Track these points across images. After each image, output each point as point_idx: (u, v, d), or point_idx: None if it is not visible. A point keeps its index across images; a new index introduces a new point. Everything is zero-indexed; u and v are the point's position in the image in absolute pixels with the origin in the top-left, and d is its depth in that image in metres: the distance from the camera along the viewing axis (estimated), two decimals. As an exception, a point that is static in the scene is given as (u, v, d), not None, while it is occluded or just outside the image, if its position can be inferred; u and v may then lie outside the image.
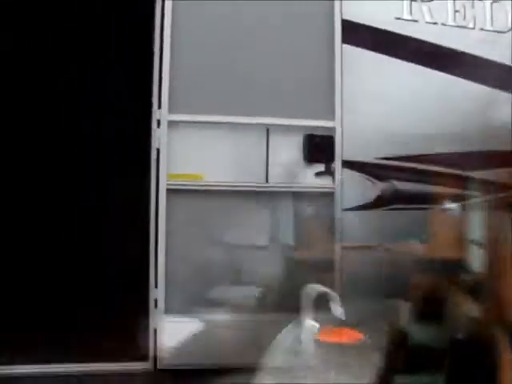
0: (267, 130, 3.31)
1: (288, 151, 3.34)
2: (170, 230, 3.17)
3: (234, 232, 3.28)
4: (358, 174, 3.52)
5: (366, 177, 3.55)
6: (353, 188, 3.51)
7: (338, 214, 3.33)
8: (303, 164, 3.36)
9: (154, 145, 3.19)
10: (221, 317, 3.21)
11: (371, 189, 3.55)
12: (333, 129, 3.35)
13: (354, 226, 3.52)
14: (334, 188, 3.34)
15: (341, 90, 3.35)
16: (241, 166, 3.32)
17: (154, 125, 3.19)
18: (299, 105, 3.31)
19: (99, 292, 4.16)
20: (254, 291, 3.28)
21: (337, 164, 3.35)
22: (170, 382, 3.15)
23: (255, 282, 3.31)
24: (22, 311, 3.71)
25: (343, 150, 3.38)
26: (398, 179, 3.60)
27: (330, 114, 3.34)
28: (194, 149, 3.24)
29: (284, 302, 3.10)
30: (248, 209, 3.30)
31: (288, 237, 3.38)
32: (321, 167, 3.38)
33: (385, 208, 3.59)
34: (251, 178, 3.29)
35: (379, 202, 3.58)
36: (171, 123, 3.19)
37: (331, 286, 2.05)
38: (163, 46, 3.17)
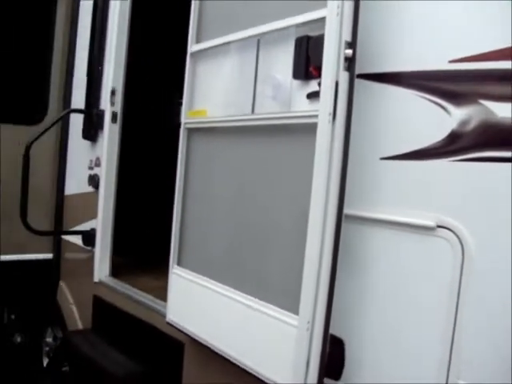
0: (258, 42, 2.38)
1: (280, 67, 2.28)
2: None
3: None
4: (407, 91, 2.02)
5: (428, 97, 1.98)
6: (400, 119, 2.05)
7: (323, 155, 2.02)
8: (294, 83, 2.22)
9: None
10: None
11: (438, 120, 1.95)
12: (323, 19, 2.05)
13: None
14: (317, 116, 2.04)
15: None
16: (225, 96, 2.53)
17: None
18: None
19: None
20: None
21: (324, 76, 2.03)
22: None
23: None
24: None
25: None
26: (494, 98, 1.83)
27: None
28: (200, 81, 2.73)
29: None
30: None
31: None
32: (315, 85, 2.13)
33: (464, 157, 1.91)
34: (236, 110, 2.45)
35: (454, 146, 1.93)
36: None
37: None
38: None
